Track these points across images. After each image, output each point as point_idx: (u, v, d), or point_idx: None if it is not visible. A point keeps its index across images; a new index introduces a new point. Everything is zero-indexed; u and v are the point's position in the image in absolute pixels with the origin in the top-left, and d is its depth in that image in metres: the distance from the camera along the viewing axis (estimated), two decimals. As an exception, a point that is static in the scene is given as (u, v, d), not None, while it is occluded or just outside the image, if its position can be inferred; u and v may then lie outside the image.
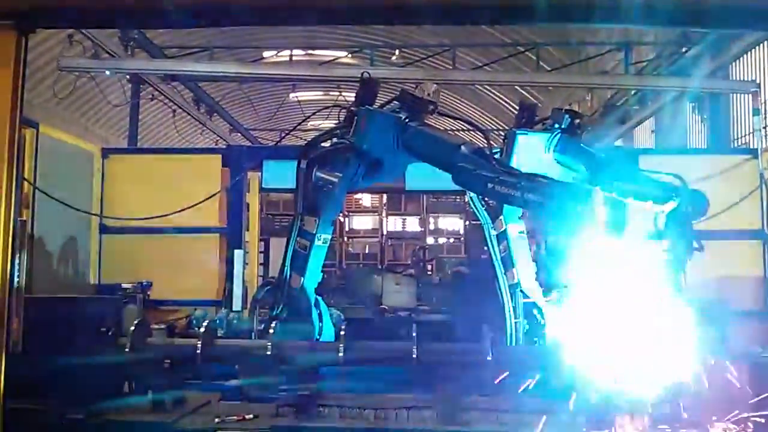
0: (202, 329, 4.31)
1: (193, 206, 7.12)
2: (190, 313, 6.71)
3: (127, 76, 12.64)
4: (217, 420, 3.96)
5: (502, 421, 3.90)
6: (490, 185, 4.07)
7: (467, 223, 17.34)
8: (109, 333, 4.18)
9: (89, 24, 8.21)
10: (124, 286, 6.83)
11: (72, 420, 3.87)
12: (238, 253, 7.88)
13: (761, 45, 10.89)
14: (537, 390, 4.01)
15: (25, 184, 6.73)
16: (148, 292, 7.02)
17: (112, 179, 8.16)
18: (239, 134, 20.68)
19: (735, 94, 12.13)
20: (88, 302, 4.57)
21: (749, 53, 11.30)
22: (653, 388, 3.47)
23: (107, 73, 11.58)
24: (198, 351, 4.12)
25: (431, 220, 19.18)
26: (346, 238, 18.67)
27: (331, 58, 15.19)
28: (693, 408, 3.59)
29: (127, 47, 11.93)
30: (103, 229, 8.02)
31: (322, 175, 4.81)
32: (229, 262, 7.81)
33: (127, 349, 4.11)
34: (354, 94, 5.18)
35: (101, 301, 4.91)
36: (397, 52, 15.79)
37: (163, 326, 5.30)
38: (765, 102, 10.62)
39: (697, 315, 3.55)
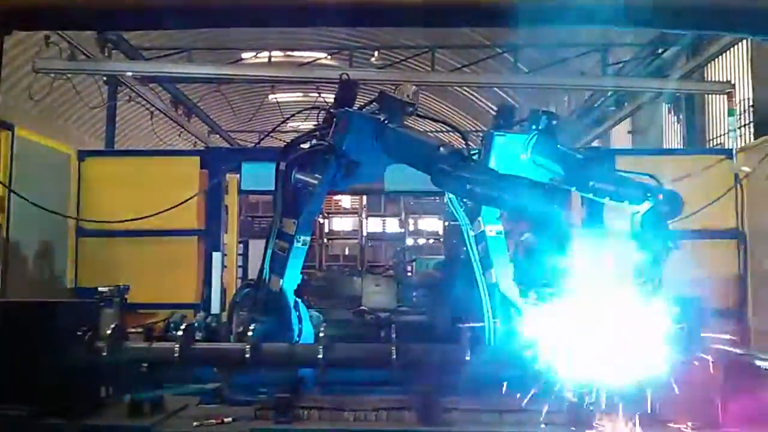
0: (180, 332, 4.28)
1: (171, 209, 7.07)
2: (167, 317, 6.66)
3: (104, 78, 12.54)
4: (195, 423, 3.93)
5: (482, 420, 3.91)
6: (468, 186, 4.10)
7: (446, 223, 17.39)
8: (86, 337, 4.14)
9: (66, 25, 8.15)
10: (101, 289, 6.74)
11: (48, 425, 3.84)
12: (216, 256, 7.85)
13: (736, 47, 11.04)
14: (516, 389, 4.03)
15: (0, 186, 6.66)
16: (126, 296, 6.94)
17: (88, 181, 8.08)
18: (218, 136, 20.59)
19: (710, 95, 12.29)
20: (65, 306, 4.51)
21: (724, 55, 11.46)
22: (629, 386, 3.51)
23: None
24: (176, 354, 4.09)
25: (411, 221, 19.24)
26: (325, 240, 18.66)
27: (311, 60, 15.20)
28: (666, 406, 3.63)
29: (104, 48, 11.84)
30: (80, 232, 7.94)
31: (302, 177, 4.81)
32: (208, 265, 7.77)
33: (104, 353, 4.07)
34: (333, 96, 5.19)
35: (78, 305, 4.85)
36: (376, 53, 15.84)
37: (140, 330, 5.28)
38: (740, 103, 10.76)
39: (672, 312, 3.59)
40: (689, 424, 3.66)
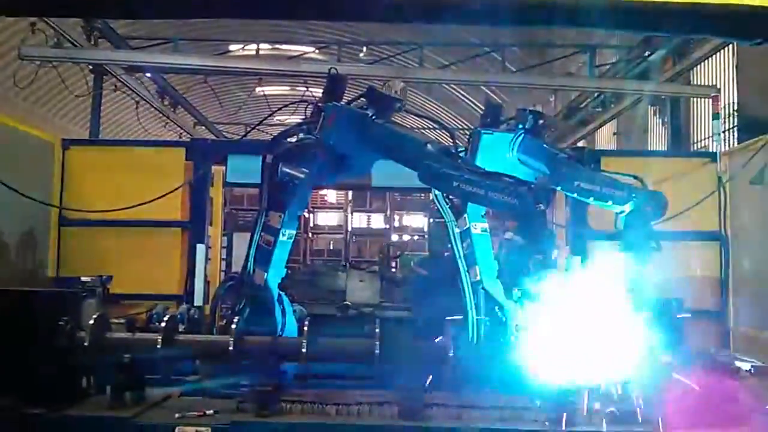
0: (163, 324, 4.26)
1: (155, 200, 7.04)
2: (150, 308, 6.63)
3: (90, 67, 12.44)
4: (177, 415, 3.92)
5: (464, 417, 3.93)
6: (455, 183, 4.11)
7: (431, 220, 17.44)
8: (68, 327, 4.11)
9: (52, 11, 8.07)
10: (84, 279, 6.71)
11: (29, 416, 3.81)
12: (200, 248, 7.81)
13: (722, 51, 11.13)
14: (498, 386, 4.05)
15: (-17, 174, 6.60)
16: (108, 286, 6.92)
17: (72, 171, 8.02)
18: (204, 127, 20.48)
19: (696, 99, 12.39)
20: (46, 296, 4.48)
21: (710, 59, 11.55)
22: (611, 385, 3.54)
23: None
24: (158, 346, 4.08)
25: (396, 217, 19.25)
26: (310, 234, 18.63)
27: (299, 53, 15.14)
28: (648, 406, 3.67)
29: (90, 37, 11.73)
30: (63, 222, 7.88)
31: (288, 171, 4.79)
32: (192, 257, 7.75)
33: (85, 344, 4.05)
34: (321, 90, 5.17)
35: (59, 295, 4.81)
36: (364, 48, 15.81)
37: (123, 321, 5.25)
38: (725, 107, 10.85)
39: (653, 313, 3.63)
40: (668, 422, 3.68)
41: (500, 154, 4.74)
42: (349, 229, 18.86)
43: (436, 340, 4.18)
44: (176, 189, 7.45)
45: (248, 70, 13.47)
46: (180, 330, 4.58)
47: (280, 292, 4.93)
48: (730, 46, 10.73)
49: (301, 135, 4.99)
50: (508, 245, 5.02)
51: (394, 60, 14.87)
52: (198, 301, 7.45)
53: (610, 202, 4.16)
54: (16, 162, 7.04)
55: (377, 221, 19.61)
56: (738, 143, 9.79)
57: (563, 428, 3.67)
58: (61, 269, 7.84)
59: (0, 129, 6.80)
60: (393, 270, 13.40)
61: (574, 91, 14.91)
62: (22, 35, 11.28)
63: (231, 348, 4.05)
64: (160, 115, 17.10)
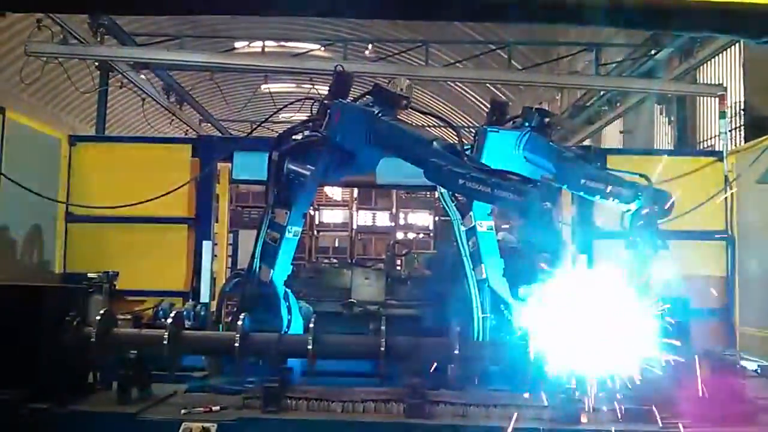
0: (169, 320, 4.27)
1: (161, 196, 7.05)
2: (156, 304, 6.64)
3: (96, 63, 12.46)
4: (183, 411, 3.92)
5: (469, 414, 3.93)
6: (461, 181, 4.11)
7: (437, 218, 17.42)
8: (74, 322, 4.12)
9: (58, 8, 8.10)
10: (90, 275, 6.74)
11: (35, 410, 3.82)
12: (206, 245, 7.83)
13: (728, 50, 11.10)
14: (503, 384, 4.05)
15: (-10, 170, 6.62)
16: (115, 282, 6.93)
17: (79, 167, 8.05)
18: (210, 124, 20.49)
19: (702, 98, 12.35)
20: (53, 291, 4.49)
21: (717, 58, 11.52)
22: (616, 382, 3.54)
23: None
24: (164, 342, 4.09)
25: (401, 215, 19.21)
26: (315, 232, 18.61)
27: (304, 51, 15.14)
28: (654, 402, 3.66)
29: (97, 33, 11.75)
30: (69, 218, 7.91)
31: (294, 168, 4.80)
32: (198, 254, 7.76)
33: (92, 339, 4.06)
34: (327, 87, 5.18)
35: (66, 291, 4.83)
36: (370, 46, 15.79)
37: (129, 317, 5.27)
38: (731, 106, 10.82)
39: (659, 312, 3.62)
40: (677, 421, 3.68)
41: (506, 152, 4.74)
42: (355, 226, 18.82)
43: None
44: (182, 186, 7.46)
45: (254, 68, 13.48)
46: (186, 326, 4.59)
47: (286, 289, 4.94)
48: (737, 44, 10.70)
49: (307, 132, 5.00)
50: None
51: (400, 57, 14.84)
52: (204, 297, 7.46)
53: (616, 201, 4.15)
54: (24, 158, 7.06)
55: (382, 219, 19.56)
56: (744, 142, 9.77)
57: (568, 426, 3.67)
58: (67, 265, 7.87)
59: (8, 125, 6.81)
60: (398, 268, 13.39)
61: (580, 90, 14.89)
62: (28, 32, 11.31)
63: (237, 344, 4.06)
64: (166, 112, 17.12)
